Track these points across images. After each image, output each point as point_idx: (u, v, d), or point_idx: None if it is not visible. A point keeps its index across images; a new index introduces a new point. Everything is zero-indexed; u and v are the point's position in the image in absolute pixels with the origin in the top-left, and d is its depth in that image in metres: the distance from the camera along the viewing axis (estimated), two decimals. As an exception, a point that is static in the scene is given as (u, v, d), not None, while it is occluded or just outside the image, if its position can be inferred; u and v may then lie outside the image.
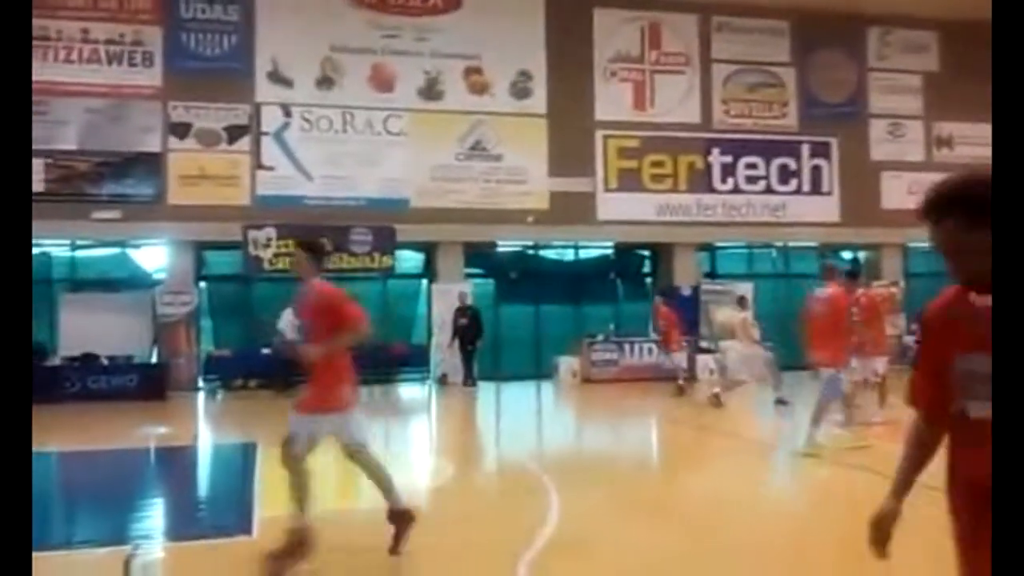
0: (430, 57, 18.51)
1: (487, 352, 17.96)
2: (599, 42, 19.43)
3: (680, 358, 15.33)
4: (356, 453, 5.53)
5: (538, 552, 5.57)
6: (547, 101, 19.06)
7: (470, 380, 16.83)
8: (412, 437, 11.24)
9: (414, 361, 18.05)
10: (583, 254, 20.36)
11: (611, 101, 19.35)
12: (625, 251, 20.51)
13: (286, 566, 4.99)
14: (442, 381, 17.17)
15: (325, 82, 18.04)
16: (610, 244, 20.06)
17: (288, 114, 17.80)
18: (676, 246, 19.33)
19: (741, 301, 13.93)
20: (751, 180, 19.93)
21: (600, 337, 18.15)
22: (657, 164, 19.30)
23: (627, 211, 18.91)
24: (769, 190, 20.00)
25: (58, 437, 12.18)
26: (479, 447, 10.24)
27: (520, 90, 19.00)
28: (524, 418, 14.41)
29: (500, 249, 19.61)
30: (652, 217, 19.01)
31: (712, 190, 19.71)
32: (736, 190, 19.84)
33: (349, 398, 5.45)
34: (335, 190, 17.85)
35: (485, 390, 16.73)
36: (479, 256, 19.16)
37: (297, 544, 5.12)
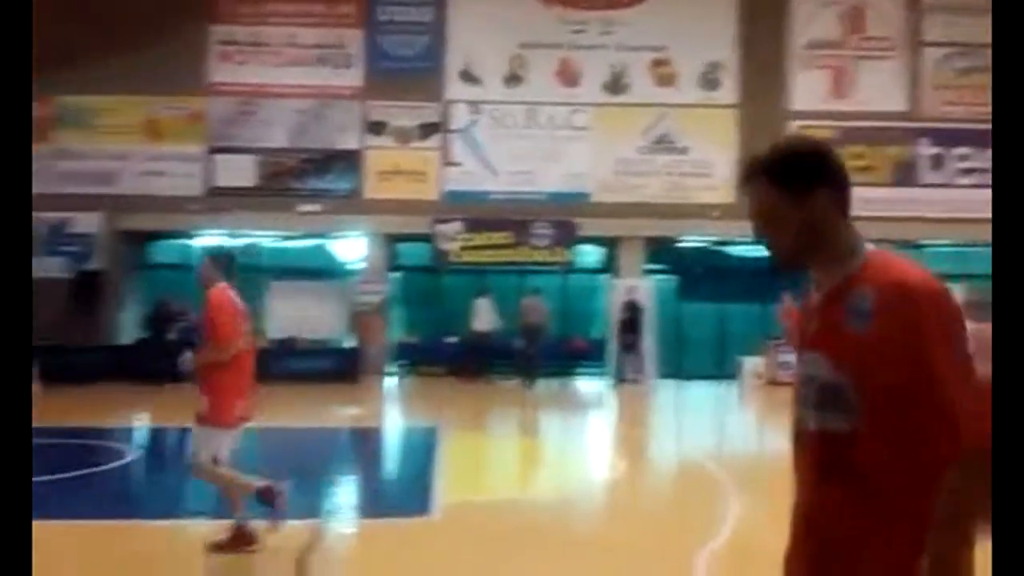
0: (616, 50, 18.36)
1: (668, 350, 17.62)
2: (795, 28, 18.51)
3: None
4: (194, 468, 5.45)
5: (711, 554, 5.38)
6: (737, 91, 18.39)
7: (631, 377, 16.43)
8: (587, 432, 11.23)
9: (593, 356, 18.01)
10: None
11: (807, 90, 18.37)
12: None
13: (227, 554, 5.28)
14: (621, 377, 17.01)
15: (513, 79, 18.33)
16: (802, 241, 19.07)
17: (477, 111, 18.26)
18: (877, 244, 18.01)
19: None
20: (964, 172, 18.28)
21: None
22: (856, 156, 18.07)
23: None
24: (985, 184, 18.25)
25: (263, 414, 13.17)
26: (655, 445, 10.06)
27: (709, 81, 18.46)
28: (704, 418, 14.01)
29: (683, 245, 19.15)
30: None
31: (919, 184, 18.27)
32: (948, 184, 18.28)
33: (223, 412, 5.30)
34: (519, 185, 18.13)
35: (665, 388, 16.43)
36: (661, 252, 18.80)
37: (239, 539, 5.34)
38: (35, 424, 8.51)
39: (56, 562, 5.31)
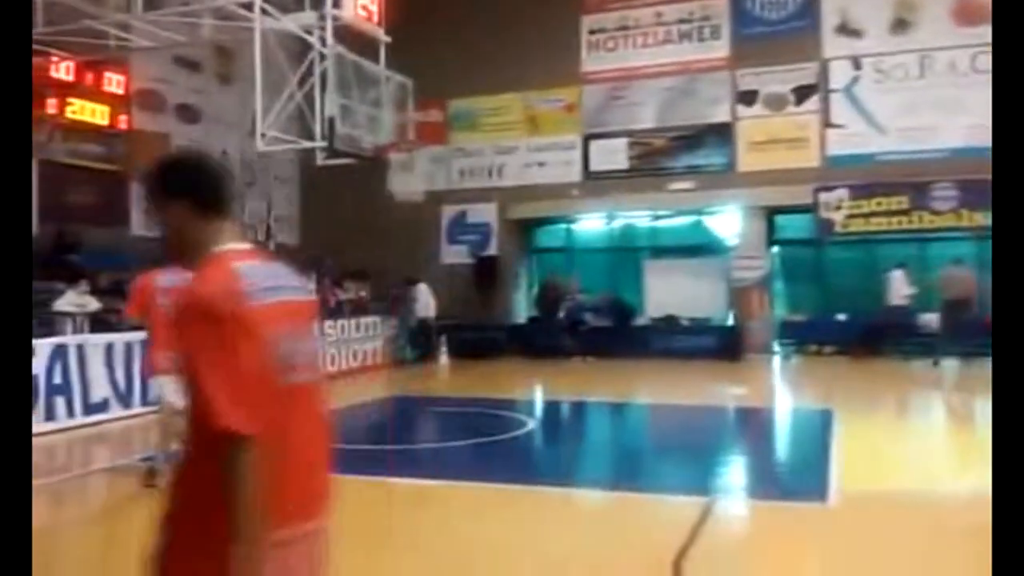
0: (1033, -26, 15.64)
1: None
2: None
3: None
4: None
5: None
6: None
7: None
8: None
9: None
10: None
11: None
12: None
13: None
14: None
15: (899, 26, 16.51)
16: None
17: (858, 67, 16.74)
18: None
19: None
20: None
21: None
22: None
23: None
24: None
25: (647, 390, 13.47)
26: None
27: None
28: None
29: None
30: None
31: None
32: None
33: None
34: (913, 143, 16.28)
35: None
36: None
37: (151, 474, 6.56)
38: (448, 394, 9.46)
39: (458, 516, 5.82)
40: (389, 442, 8.96)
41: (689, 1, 17.89)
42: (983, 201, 15.45)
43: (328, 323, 14.33)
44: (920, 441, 8.91)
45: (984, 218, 15.48)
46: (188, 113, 17.02)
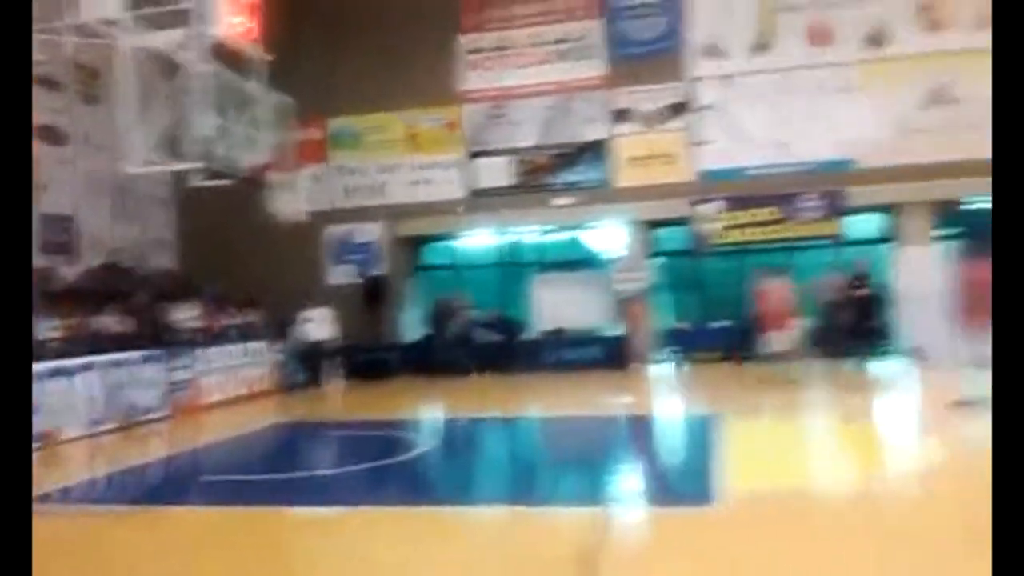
0: (874, 1, 16.86)
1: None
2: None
3: None
4: None
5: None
6: (1028, 26, 16.17)
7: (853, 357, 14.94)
8: (885, 415, 10.38)
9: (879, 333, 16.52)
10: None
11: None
12: None
13: None
14: (916, 355, 15.45)
15: (760, 47, 17.46)
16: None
17: (725, 85, 17.58)
18: None
19: None
20: None
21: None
22: None
23: None
24: None
25: (539, 403, 13.63)
26: (963, 430, 9.04)
27: (987, 19, 16.39)
28: None
29: (975, 206, 17.14)
30: None
31: None
32: None
33: None
34: (778, 157, 17.19)
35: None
36: (950, 215, 16.94)
37: None
38: (341, 418, 9.31)
39: (357, 542, 5.76)
40: (279, 470, 8.72)
41: (564, 22, 18.34)
42: (841, 210, 16.52)
43: (213, 350, 13.85)
44: (800, 442, 9.37)
45: (841, 226, 16.55)
46: (51, 134, 16.15)
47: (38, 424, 9.79)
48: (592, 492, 7.04)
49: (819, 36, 17.10)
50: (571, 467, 8.56)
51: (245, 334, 15.48)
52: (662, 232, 18.48)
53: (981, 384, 9.83)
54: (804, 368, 13.51)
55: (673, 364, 17.27)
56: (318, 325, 15.86)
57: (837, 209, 16.58)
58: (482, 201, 18.41)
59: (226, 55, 11.94)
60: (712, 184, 17.31)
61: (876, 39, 16.87)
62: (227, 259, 17.29)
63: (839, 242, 17.02)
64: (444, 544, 5.63)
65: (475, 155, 18.65)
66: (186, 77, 11.36)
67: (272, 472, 8.64)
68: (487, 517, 6.61)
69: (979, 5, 16.34)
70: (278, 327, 16.18)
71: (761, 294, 13.76)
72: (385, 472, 8.24)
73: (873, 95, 16.69)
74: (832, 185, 16.65)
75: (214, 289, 16.11)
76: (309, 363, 16.01)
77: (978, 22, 16.38)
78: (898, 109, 16.62)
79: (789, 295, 13.54)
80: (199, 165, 11.33)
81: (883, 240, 17.54)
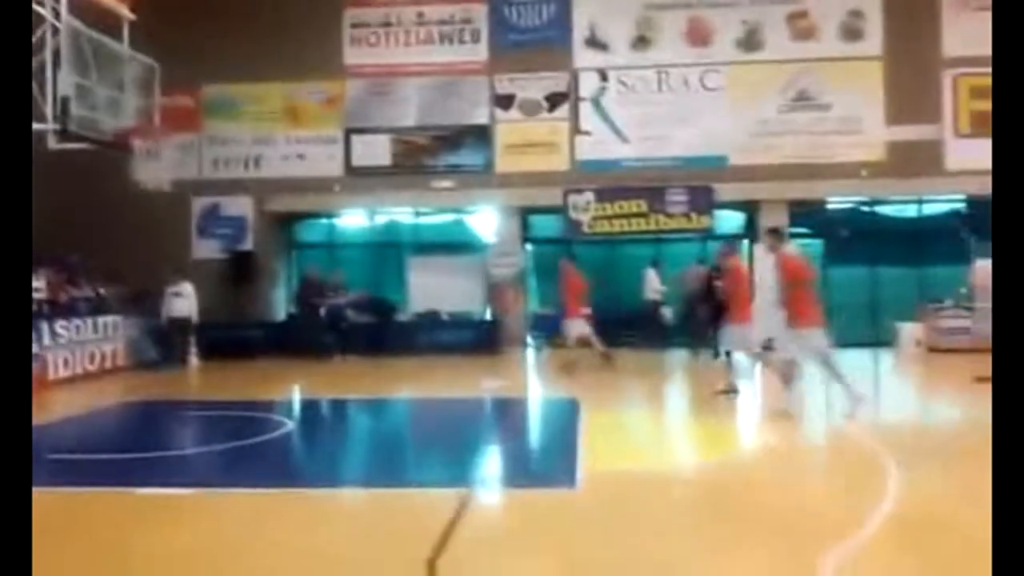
0: (749, 6, 17.62)
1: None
2: (945, -35, 17.19)
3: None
4: None
5: (875, 530, 5.10)
6: (882, 41, 17.28)
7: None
8: (733, 403, 10.92)
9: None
10: (927, 209, 18.26)
11: (965, 34, 16.99)
12: (982, 205, 18.03)
13: None
14: (767, 347, 16.34)
15: (640, 42, 17.93)
16: (961, 197, 17.74)
17: (604, 78, 17.96)
18: None
19: None
20: None
21: (949, 302, 16.24)
22: None
23: (984, 160, 16.56)
24: None
25: (410, 384, 13.61)
26: (808, 417, 9.65)
27: (851, 31, 17.44)
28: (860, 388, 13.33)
29: (830, 206, 18.23)
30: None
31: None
32: None
33: None
34: (651, 151, 17.76)
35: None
36: (806, 214, 17.96)
37: None
38: (197, 397, 9.04)
39: (219, 527, 5.63)
40: (132, 450, 8.37)
41: (450, 4, 18.25)
42: (708, 205, 17.22)
43: (60, 323, 13.11)
44: (651, 425, 9.76)
45: (708, 220, 17.25)
46: None
47: None
48: (457, 474, 7.12)
49: (697, 35, 17.72)
50: (437, 449, 8.60)
51: (98, 308, 14.70)
52: (536, 219, 18.73)
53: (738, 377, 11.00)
54: (592, 355, 14.00)
55: (540, 349, 17.61)
56: (179, 300, 15.21)
57: (704, 204, 17.25)
58: (360, 180, 18.13)
59: (92, 13, 11.30)
60: (586, 174, 17.68)
61: (748, 43, 17.63)
62: (85, 229, 16.35)
63: (706, 236, 17.73)
64: (298, 526, 5.56)
65: (354, 132, 18.33)
66: (46, 32, 10.67)
67: (118, 452, 8.28)
68: (351, 498, 6.58)
69: (839, 18, 17.37)
70: (136, 301, 15.44)
71: (563, 282, 14.06)
72: (237, 453, 8.04)
73: (742, 95, 17.44)
74: (700, 180, 17.31)
75: (67, 260, 15.23)
76: (166, 340, 15.34)
77: (840, 33, 17.41)
78: (763, 111, 17.44)
79: (583, 284, 13.85)
80: (56, 127, 10.69)
81: (746, 236, 18.37)
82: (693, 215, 17.23)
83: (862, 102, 17.22)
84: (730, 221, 18.41)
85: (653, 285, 16.77)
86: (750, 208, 17.95)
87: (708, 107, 17.67)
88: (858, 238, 17.88)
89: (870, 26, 17.31)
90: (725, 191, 17.17)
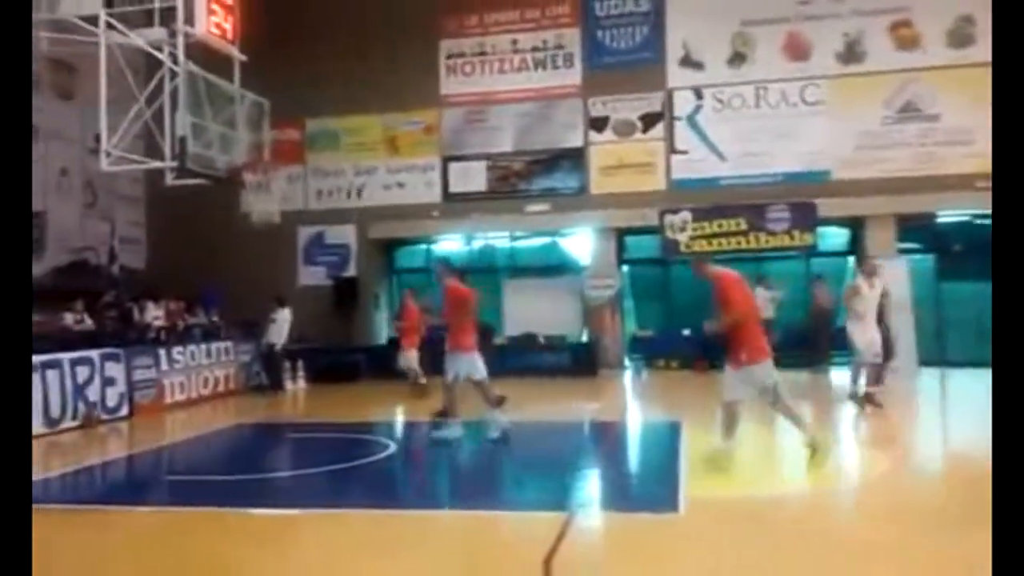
0: (850, 17, 17.19)
1: (927, 336, 16.17)
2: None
3: None
4: None
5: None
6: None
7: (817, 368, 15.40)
8: (841, 425, 10.55)
9: (844, 344, 16.71)
10: (1048, 221, 17.28)
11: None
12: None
13: None
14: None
15: (736, 59, 17.72)
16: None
17: (700, 96, 17.82)
18: None
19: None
20: None
21: (1074, 317, 15.31)
22: None
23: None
24: None
25: (509, 407, 13.64)
26: (920, 439, 9.23)
27: (960, 37, 16.77)
28: (974, 409, 12.69)
29: (941, 220, 17.49)
30: None
31: None
32: None
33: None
34: (750, 168, 17.47)
35: (926, 377, 15.13)
36: (915, 229, 17.27)
37: None
38: (303, 420, 9.23)
39: (324, 545, 5.79)
40: (243, 471, 8.71)
41: (543, 30, 18.49)
42: (811, 222, 16.78)
43: (177, 349, 13.78)
44: (763, 449, 9.52)
45: (811, 237, 16.80)
46: (22, 128, 16.01)
47: None
48: (559, 497, 7.12)
49: (795, 50, 17.40)
50: (538, 472, 8.63)
51: (211, 334, 15.39)
52: (632, 240, 18.64)
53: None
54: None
55: (639, 371, 17.44)
56: (272, 326, 15.61)
57: (807, 220, 16.82)
58: (456, 206, 18.48)
59: (204, 54, 11.94)
60: (682, 193, 17.51)
61: (849, 55, 17.19)
62: (196, 258, 17.21)
63: (810, 254, 17.27)
64: (405, 549, 5.68)
65: (451, 159, 18.72)
66: (164, 76, 11.34)
67: (232, 473, 8.63)
68: (450, 521, 6.67)
69: (947, 25, 16.75)
70: (246, 327, 16.08)
71: (403, 310, 14.02)
72: (344, 475, 8.26)
73: (843, 109, 16.99)
74: (802, 197, 16.90)
75: (182, 289, 16.02)
76: (270, 365, 15.85)
77: (948, 41, 16.77)
78: (867, 123, 16.94)
79: (419, 314, 13.70)
80: (174, 164, 11.30)
81: (850, 253, 17.80)
82: (795, 232, 16.81)
83: (973, 111, 16.50)
84: (834, 238, 17.89)
85: (766, 302, 16.26)
86: (855, 224, 17.40)
87: (808, 121, 17.29)
88: (972, 252, 17.03)
89: (980, 32, 16.61)
90: (828, 207, 16.70)
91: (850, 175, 16.93)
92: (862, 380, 10.96)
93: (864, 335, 10.61)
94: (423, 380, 13.78)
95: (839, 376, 15.36)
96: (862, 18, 17.12)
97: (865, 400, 10.67)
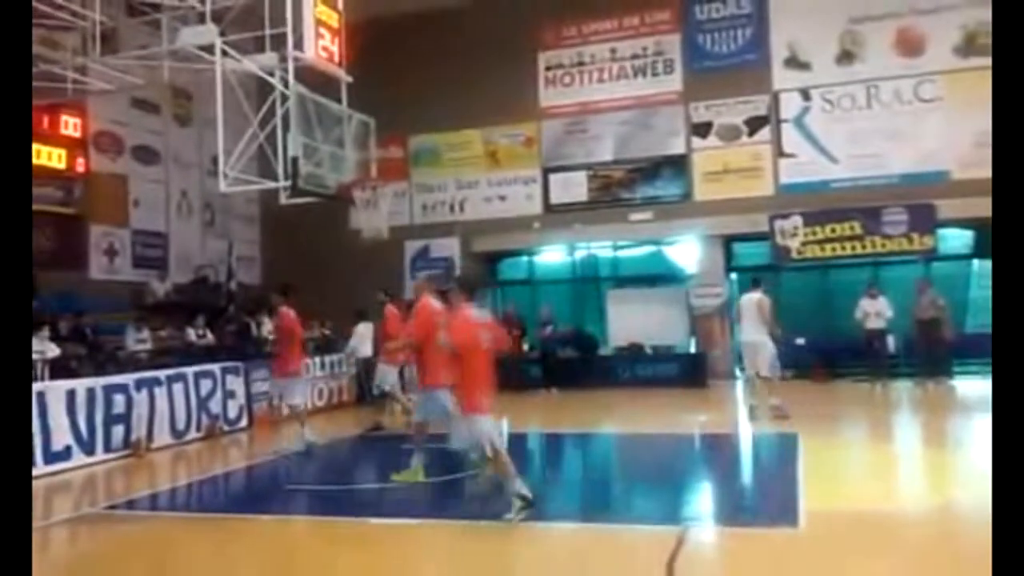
0: (967, 8, 16.34)
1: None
2: None
3: None
4: None
5: None
6: None
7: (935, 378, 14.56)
8: (971, 438, 9.98)
9: (968, 352, 15.87)
10: None
11: None
12: None
13: None
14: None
15: (845, 57, 17.12)
16: None
17: (807, 98, 17.28)
18: None
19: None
20: None
21: None
22: None
23: None
24: None
25: (618, 419, 13.54)
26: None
27: (1091, 24, 15.72)
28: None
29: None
30: None
31: None
32: None
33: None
34: (863, 170, 16.81)
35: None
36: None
37: None
38: (407, 431, 9.13)
39: (434, 555, 5.82)
40: (356, 482, 8.88)
41: (642, 37, 18.33)
42: (930, 224, 16.00)
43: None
44: (883, 462, 9.10)
45: (931, 240, 16.02)
46: (146, 154, 16.94)
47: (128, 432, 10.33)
48: (673, 511, 6.97)
49: (908, 45, 16.68)
50: (650, 485, 8.48)
51: (325, 347, 15.81)
52: (740, 247, 18.20)
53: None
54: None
55: (746, 382, 16.92)
56: (353, 339, 15.07)
57: (926, 223, 16.05)
58: (558, 217, 18.48)
59: (312, 76, 12.32)
60: (792, 198, 17.00)
61: (968, 48, 16.36)
62: (306, 273, 17.73)
63: (930, 258, 16.47)
64: (519, 561, 5.66)
65: (552, 170, 18.75)
66: (276, 99, 11.77)
67: (349, 483, 8.81)
68: (569, 533, 6.59)
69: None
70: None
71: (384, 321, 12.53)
72: (451, 486, 8.30)
73: (962, 105, 16.16)
74: (920, 198, 16.15)
75: (296, 304, 16.44)
76: (362, 376, 15.89)
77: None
78: (988, 120, 16.05)
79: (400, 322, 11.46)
80: (287, 183, 11.69)
81: (974, 256, 16.88)
82: (914, 235, 16.07)
83: (1109, 101, 15.42)
84: (956, 239, 17.00)
85: (874, 311, 15.56)
86: (978, 225, 16.49)
87: (924, 120, 16.52)
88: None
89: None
90: (948, 208, 15.89)
91: (971, 174, 16.02)
92: None
93: None
94: None
95: (966, 386, 14.59)
96: (981, 9, 16.23)
97: None
